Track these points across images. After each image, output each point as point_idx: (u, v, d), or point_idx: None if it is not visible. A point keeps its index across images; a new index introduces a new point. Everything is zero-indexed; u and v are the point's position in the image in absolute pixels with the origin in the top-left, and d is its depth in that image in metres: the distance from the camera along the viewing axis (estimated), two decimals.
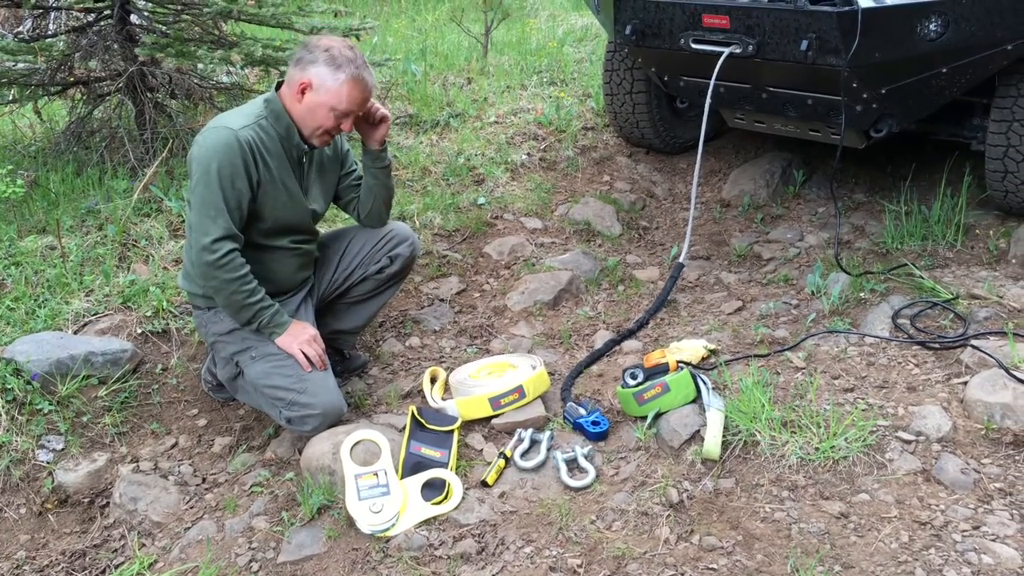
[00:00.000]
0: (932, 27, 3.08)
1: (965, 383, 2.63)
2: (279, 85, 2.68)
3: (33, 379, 2.90)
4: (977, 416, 2.51)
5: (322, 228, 3.17)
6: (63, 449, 2.86)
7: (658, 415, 2.69)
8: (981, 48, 3.14)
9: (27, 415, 2.87)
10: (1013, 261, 3.43)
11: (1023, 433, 2.42)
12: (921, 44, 3.12)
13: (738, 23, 3.42)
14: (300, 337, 2.73)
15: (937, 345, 2.88)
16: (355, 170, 2.99)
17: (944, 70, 3.24)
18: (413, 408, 2.81)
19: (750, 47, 3.42)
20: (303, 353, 2.71)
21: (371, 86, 2.64)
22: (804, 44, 3.23)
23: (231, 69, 4.88)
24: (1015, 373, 2.57)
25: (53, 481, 2.77)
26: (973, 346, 2.78)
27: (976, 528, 2.17)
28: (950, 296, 3.15)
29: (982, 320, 2.99)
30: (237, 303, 2.63)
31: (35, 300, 3.30)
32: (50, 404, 2.91)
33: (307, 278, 2.95)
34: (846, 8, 3.09)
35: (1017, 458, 2.38)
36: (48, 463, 2.81)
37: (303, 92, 2.60)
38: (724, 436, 2.53)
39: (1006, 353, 2.70)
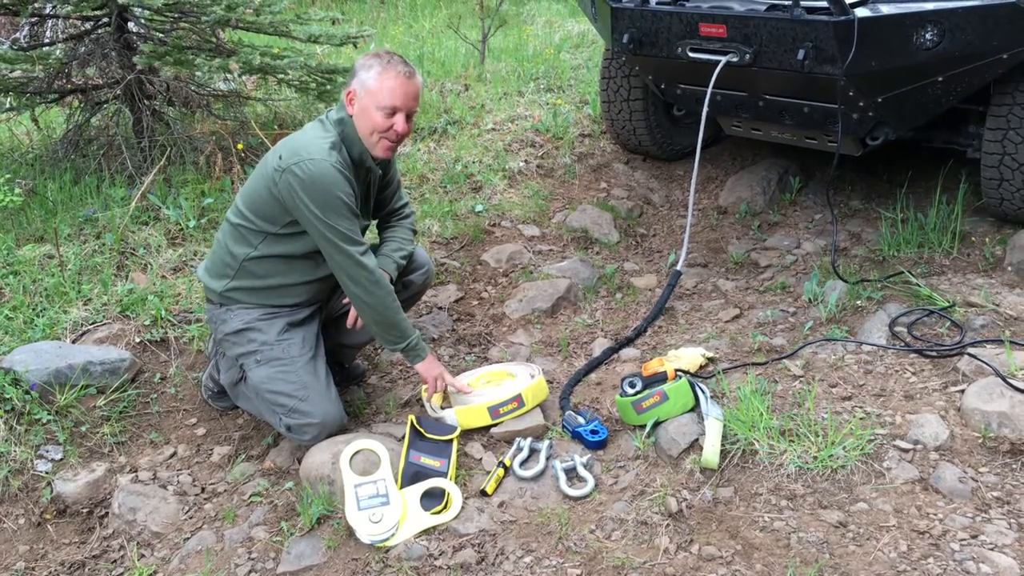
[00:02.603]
0: (928, 36, 3.10)
1: (962, 391, 2.64)
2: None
3: (32, 389, 2.90)
4: (974, 425, 2.52)
5: None
6: (62, 459, 2.85)
7: (657, 424, 2.70)
8: (977, 57, 3.16)
9: (26, 425, 2.87)
10: (1009, 268, 3.44)
11: (1020, 441, 2.43)
12: (917, 53, 3.14)
13: (735, 32, 3.44)
14: (439, 368, 2.88)
15: (934, 353, 2.89)
16: (394, 181, 3.02)
17: (940, 79, 3.26)
18: (412, 417, 2.81)
19: (747, 56, 3.44)
20: (435, 385, 2.88)
21: (406, 75, 2.64)
22: (801, 53, 3.25)
23: (229, 77, 4.88)
24: (1012, 381, 2.58)
25: (52, 491, 2.76)
26: (970, 354, 2.79)
27: (974, 537, 2.18)
28: (947, 304, 3.16)
29: (979, 328, 3.00)
30: (390, 321, 2.74)
31: (33, 309, 3.30)
32: (48, 414, 2.91)
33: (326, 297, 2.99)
34: (843, 17, 3.11)
35: (1014, 466, 2.39)
36: (47, 473, 2.81)
37: (351, 102, 2.67)
38: (723, 445, 2.54)
39: (1003, 361, 2.71)
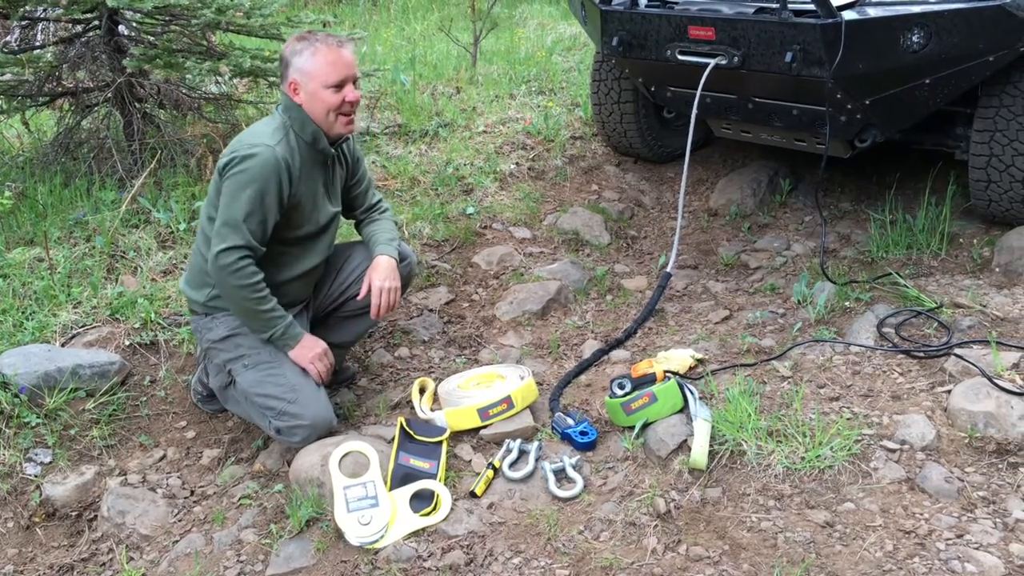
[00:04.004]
0: (915, 39, 3.12)
1: (949, 392, 2.65)
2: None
3: (21, 392, 2.89)
4: (961, 425, 2.53)
5: None
6: (51, 462, 2.85)
7: (646, 425, 2.70)
8: (963, 59, 3.18)
9: (14, 428, 2.86)
10: (996, 270, 3.46)
11: (1006, 441, 2.45)
12: (904, 56, 3.16)
13: (723, 35, 3.45)
14: (314, 350, 2.78)
15: (921, 354, 2.91)
16: (364, 179, 3.03)
17: (927, 81, 3.28)
18: (402, 419, 2.82)
19: (735, 58, 3.45)
20: (314, 367, 2.76)
21: (337, 46, 2.65)
22: (789, 56, 3.26)
23: (219, 80, 4.88)
24: (998, 382, 2.59)
25: (41, 495, 2.76)
26: (957, 355, 2.80)
27: (960, 536, 2.19)
28: (934, 305, 3.17)
29: (966, 329, 3.01)
30: (249, 311, 2.68)
31: (23, 312, 3.30)
32: (38, 417, 2.90)
33: (308, 295, 2.98)
34: (830, 20, 3.12)
35: (1000, 466, 2.41)
36: (36, 476, 2.80)
37: (296, 92, 2.67)
38: (711, 446, 2.54)
39: (989, 362, 2.72)
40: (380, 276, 2.85)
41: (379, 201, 3.10)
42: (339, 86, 2.65)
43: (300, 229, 2.78)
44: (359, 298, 2.91)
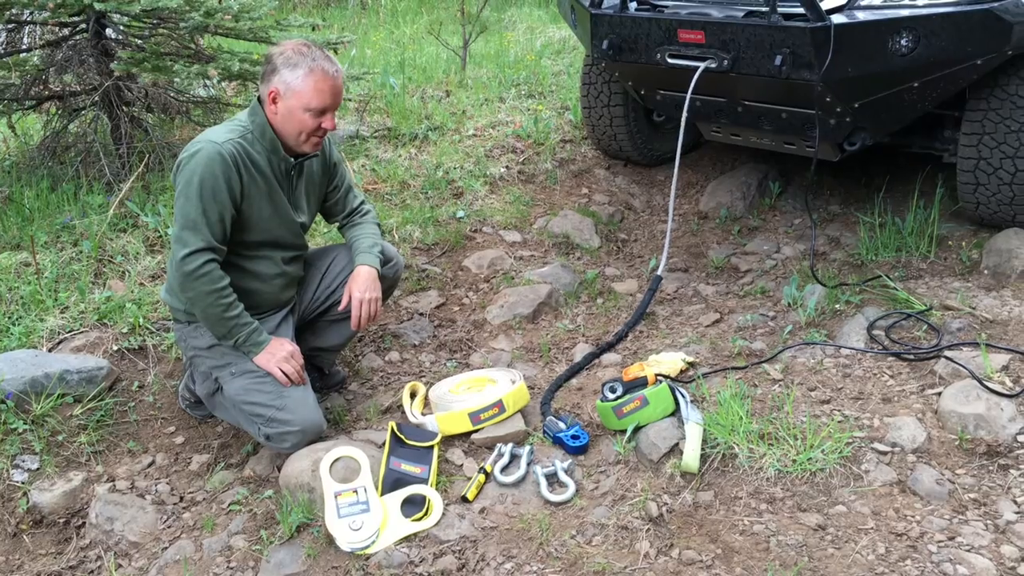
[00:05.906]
0: (903, 42, 3.13)
1: (939, 394, 2.66)
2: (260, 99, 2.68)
3: (7, 398, 2.87)
4: (951, 427, 2.54)
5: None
6: (38, 469, 2.82)
7: (637, 428, 2.70)
8: (951, 63, 3.19)
9: (1, 435, 2.83)
10: (985, 272, 3.47)
11: (996, 443, 2.46)
12: (893, 59, 3.17)
13: (713, 38, 3.46)
14: (278, 354, 2.72)
15: (911, 356, 2.91)
16: (343, 184, 3.00)
17: (915, 84, 3.29)
18: (393, 424, 2.80)
19: (725, 62, 3.46)
20: (281, 370, 2.70)
21: (333, 74, 2.60)
22: (778, 59, 3.27)
23: (208, 83, 4.86)
24: (988, 384, 2.60)
25: (28, 501, 2.73)
26: (947, 357, 2.81)
27: (951, 539, 2.20)
28: (924, 307, 3.18)
29: (955, 331, 3.02)
30: (214, 316, 2.62)
31: (9, 318, 3.27)
32: (25, 423, 2.87)
33: (290, 298, 2.94)
34: (819, 24, 3.13)
35: (991, 468, 2.41)
36: (23, 483, 2.77)
37: (275, 101, 2.62)
38: (703, 449, 2.54)
39: (979, 364, 2.73)
40: (360, 287, 2.83)
41: (361, 203, 3.06)
42: (321, 112, 2.60)
43: (259, 234, 2.71)
44: (340, 308, 2.89)
